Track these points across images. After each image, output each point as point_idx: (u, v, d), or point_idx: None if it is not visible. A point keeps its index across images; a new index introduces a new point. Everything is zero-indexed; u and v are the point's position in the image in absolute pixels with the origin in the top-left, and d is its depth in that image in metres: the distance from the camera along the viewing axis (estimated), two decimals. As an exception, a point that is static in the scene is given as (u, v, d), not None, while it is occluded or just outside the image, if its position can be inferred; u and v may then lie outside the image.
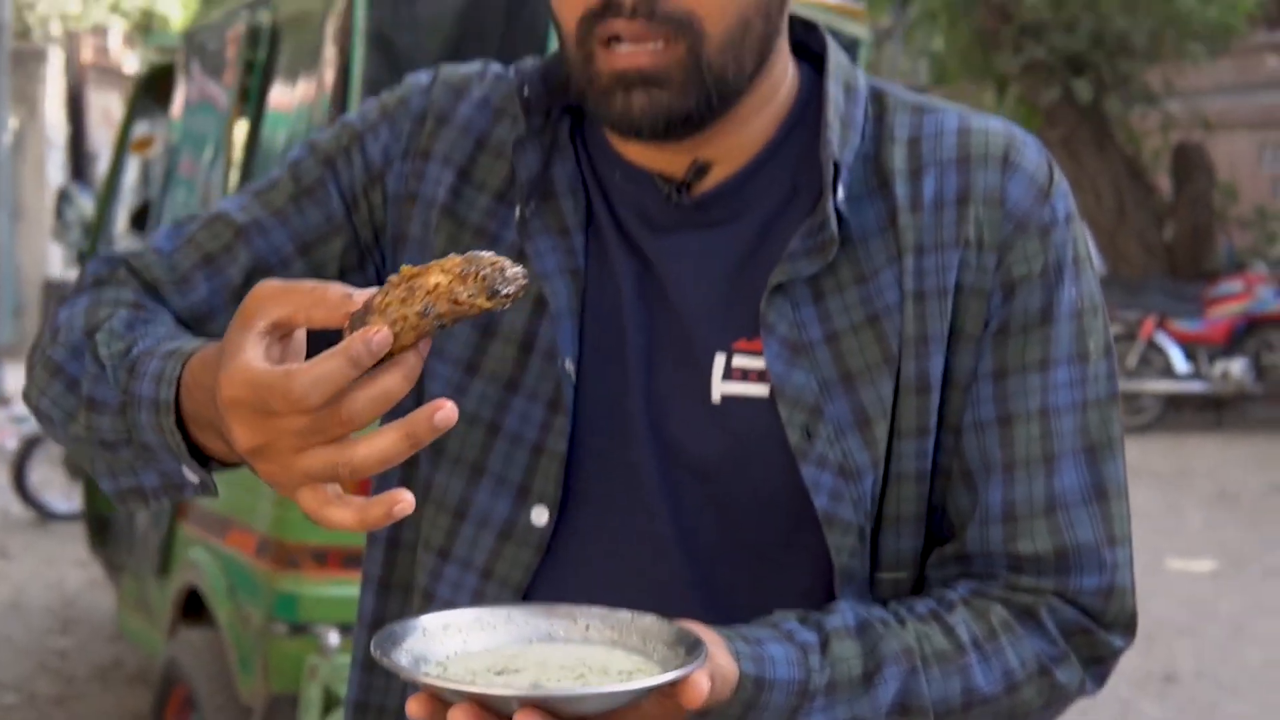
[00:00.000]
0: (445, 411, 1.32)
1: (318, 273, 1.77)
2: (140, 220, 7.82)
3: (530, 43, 4.87)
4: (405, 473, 1.76)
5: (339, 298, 1.34)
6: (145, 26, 28.98)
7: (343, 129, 1.83)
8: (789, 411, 1.63)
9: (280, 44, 5.44)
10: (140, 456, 1.60)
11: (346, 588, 4.63)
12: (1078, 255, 1.70)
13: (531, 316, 1.71)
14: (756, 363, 1.65)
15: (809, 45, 1.77)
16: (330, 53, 4.79)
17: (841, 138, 1.67)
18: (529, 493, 1.70)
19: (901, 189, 1.67)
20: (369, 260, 1.80)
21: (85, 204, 9.04)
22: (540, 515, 1.69)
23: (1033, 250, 1.66)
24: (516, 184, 1.73)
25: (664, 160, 1.70)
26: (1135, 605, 1.70)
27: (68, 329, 1.68)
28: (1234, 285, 17.70)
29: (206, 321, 1.76)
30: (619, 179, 1.73)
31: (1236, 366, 16.87)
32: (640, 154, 1.71)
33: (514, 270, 1.33)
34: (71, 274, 11.98)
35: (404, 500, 1.33)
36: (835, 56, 1.73)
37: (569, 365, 1.68)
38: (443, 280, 1.32)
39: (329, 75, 4.78)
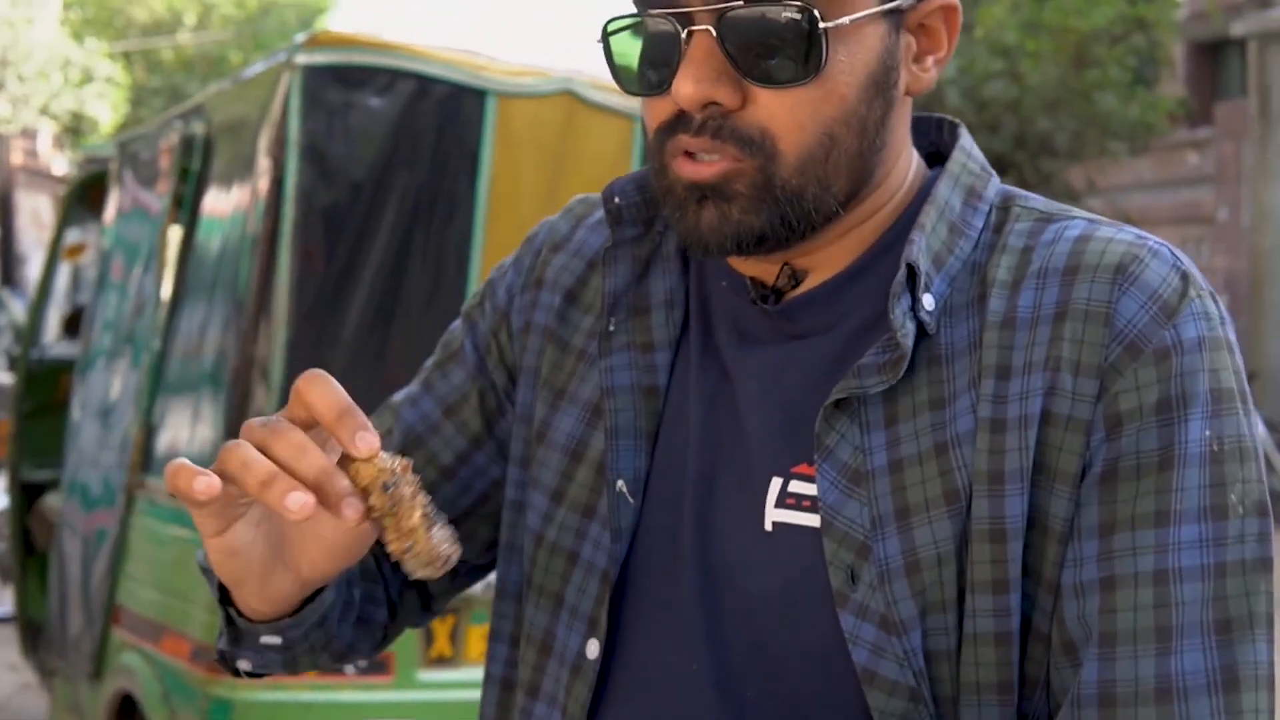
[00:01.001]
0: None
1: (463, 431, 1.74)
2: (73, 326, 7.84)
3: (461, 156, 4.94)
4: (516, 612, 1.69)
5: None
6: (74, 129, 28.97)
7: (484, 284, 1.80)
8: (834, 548, 1.44)
9: (214, 153, 5.48)
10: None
11: (280, 693, 4.64)
12: (1217, 389, 1.41)
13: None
14: (813, 489, 1.48)
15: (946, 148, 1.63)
16: (264, 164, 4.84)
17: (945, 242, 1.50)
18: (595, 624, 1.57)
19: (996, 302, 1.46)
20: (508, 404, 1.74)
21: (16, 309, 9.06)
22: (593, 647, 1.57)
23: (1146, 379, 1.39)
24: (602, 296, 1.64)
25: (759, 267, 1.57)
26: None
27: None
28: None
29: None
30: (725, 288, 1.61)
31: None
32: (740, 262, 1.59)
33: (446, 543, 1.38)
34: (3, 378, 11.92)
35: (203, 480, 1.33)
36: (960, 159, 1.56)
37: (621, 486, 1.57)
38: (420, 495, 1.38)
39: (263, 184, 4.83)
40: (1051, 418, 1.41)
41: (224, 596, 1.55)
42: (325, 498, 1.35)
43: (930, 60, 1.54)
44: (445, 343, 1.80)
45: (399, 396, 1.80)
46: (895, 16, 1.49)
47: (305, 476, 1.34)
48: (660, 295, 1.63)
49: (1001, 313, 1.45)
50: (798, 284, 1.56)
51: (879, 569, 1.42)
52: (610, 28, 1.54)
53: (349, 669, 4.65)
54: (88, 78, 28.18)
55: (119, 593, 5.46)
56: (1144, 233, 1.48)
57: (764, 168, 1.46)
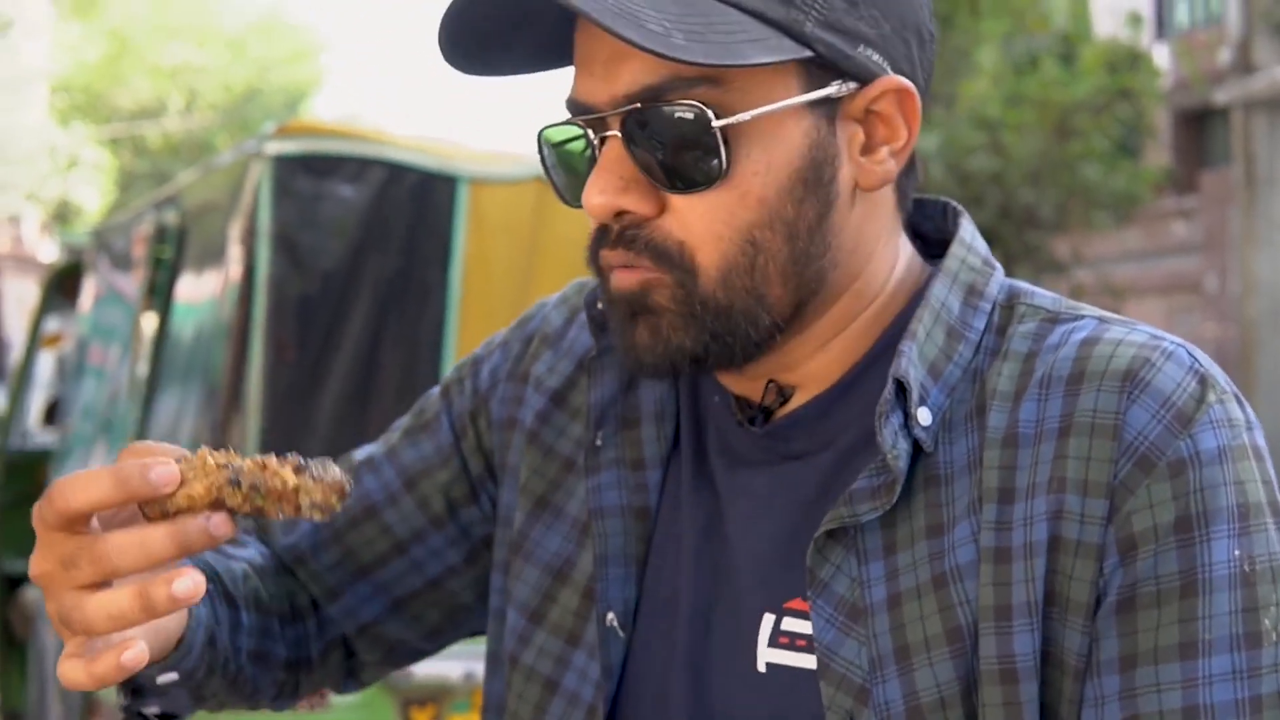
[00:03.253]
0: (185, 581, 1.20)
1: (423, 508, 1.65)
2: (53, 415, 7.83)
3: (434, 243, 4.93)
4: None
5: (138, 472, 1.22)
6: (61, 215, 29.07)
7: (467, 358, 1.71)
8: (832, 693, 1.33)
9: (187, 241, 5.49)
10: None
11: (257, 788, 4.59)
12: (1243, 504, 1.28)
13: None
14: (807, 626, 1.37)
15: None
16: (236, 252, 4.84)
17: (942, 349, 1.38)
18: None
19: (996, 416, 1.34)
20: (481, 492, 1.66)
21: (-3, 398, 9.04)
22: None
23: (1160, 496, 1.27)
24: (586, 409, 1.54)
25: (742, 383, 1.46)
26: None
27: None
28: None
29: (301, 564, 1.67)
30: (716, 403, 1.50)
31: None
32: (725, 376, 1.47)
33: (340, 476, 1.26)
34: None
35: (133, 648, 1.21)
36: (959, 254, 1.44)
37: (612, 620, 1.47)
38: (272, 460, 1.26)
39: (235, 272, 4.83)
40: (1060, 544, 1.28)
41: None
42: (192, 548, 1.22)
43: (885, 151, 1.39)
44: (419, 410, 1.71)
45: (360, 454, 1.70)
46: (827, 107, 1.37)
47: (162, 556, 1.22)
48: (650, 406, 1.52)
49: (1002, 429, 1.33)
50: (786, 400, 1.45)
51: (879, 715, 1.31)
52: (544, 135, 1.46)
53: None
54: (74, 163, 28.31)
55: (95, 688, 5.42)
56: (1160, 332, 1.36)
57: (683, 282, 1.36)
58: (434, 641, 1.73)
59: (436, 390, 1.72)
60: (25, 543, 7.13)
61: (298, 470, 1.26)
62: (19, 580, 7.36)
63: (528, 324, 1.68)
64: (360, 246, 4.84)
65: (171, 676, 1.45)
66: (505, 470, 1.63)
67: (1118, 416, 1.29)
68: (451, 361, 4.93)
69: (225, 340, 4.83)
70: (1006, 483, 1.31)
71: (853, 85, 1.37)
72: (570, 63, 1.42)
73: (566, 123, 1.41)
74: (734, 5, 1.33)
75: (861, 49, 1.36)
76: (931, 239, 1.51)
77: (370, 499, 1.66)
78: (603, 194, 1.36)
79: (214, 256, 5.10)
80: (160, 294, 5.57)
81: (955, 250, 1.44)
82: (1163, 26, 27.25)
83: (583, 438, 1.55)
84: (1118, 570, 1.27)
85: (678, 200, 1.36)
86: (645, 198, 1.36)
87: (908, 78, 1.39)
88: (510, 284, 5.01)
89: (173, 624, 1.41)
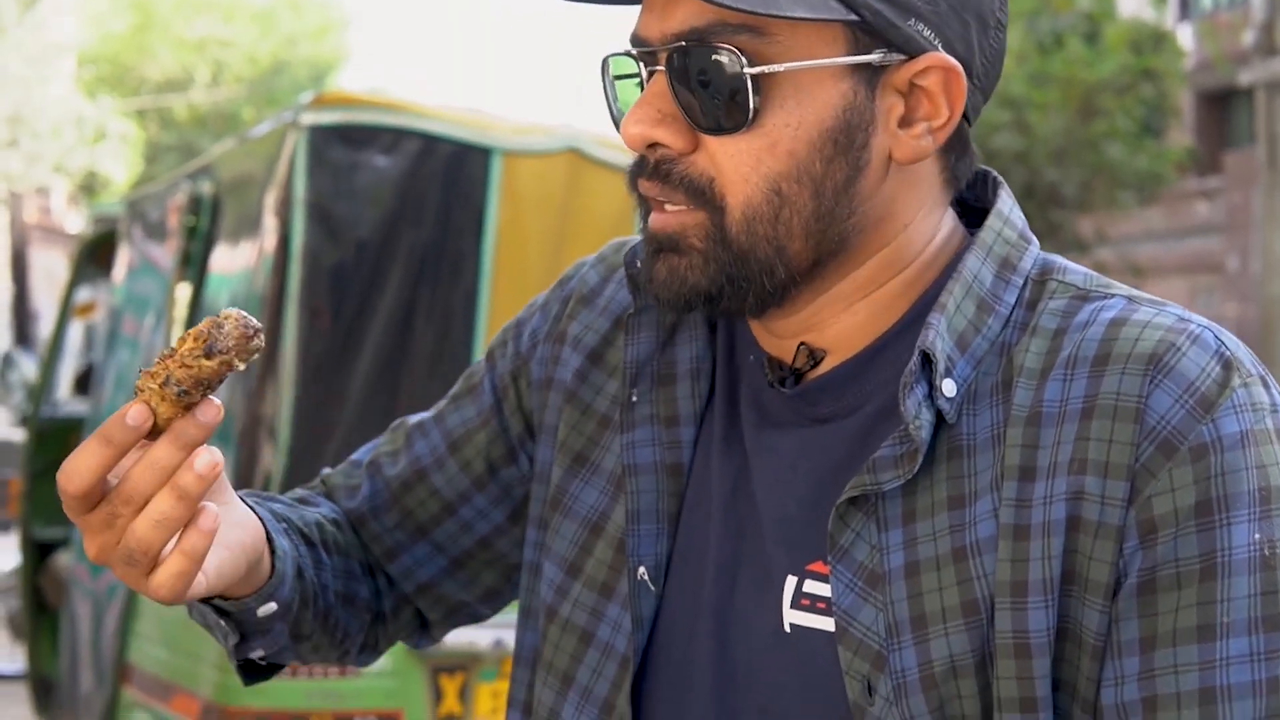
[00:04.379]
0: (202, 457, 1.31)
1: (466, 470, 1.71)
2: (84, 384, 7.87)
3: (467, 214, 4.95)
4: (530, 679, 1.63)
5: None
6: (88, 187, 29.11)
7: (511, 320, 1.76)
8: (850, 658, 1.36)
9: (221, 212, 5.51)
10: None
11: (288, 750, 4.65)
12: (1265, 487, 1.29)
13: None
14: (827, 590, 1.40)
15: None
16: (270, 222, 4.86)
17: (971, 320, 1.40)
18: (612, 710, 1.51)
19: (1022, 393, 1.36)
20: (520, 453, 1.71)
21: (28, 368, 9.09)
22: None
23: (1182, 480, 1.29)
24: (622, 365, 1.58)
25: (775, 343, 1.50)
26: None
27: None
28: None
29: (362, 526, 1.74)
30: (751, 362, 1.53)
31: None
32: (760, 335, 1.51)
33: (238, 325, 1.31)
34: (15, 435, 11.95)
35: (207, 513, 1.32)
36: (995, 226, 1.45)
37: (643, 574, 1.51)
38: (182, 346, 1.31)
39: (270, 242, 4.85)
40: (1079, 524, 1.30)
41: (215, 608, 1.53)
42: (191, 439, 1.31)
43: (923, 126, 1.41)
44: (468, 374, 1.78)
45: (413, 420, 1.78)
46: (868, 73, 1.39)
47: (174, 462, 1.31)
48: (686, 364, 1.56)
49: (1027, 406, 1.35)
50: (817, 363, 1.48)
51: (895, 681, 1.34)
52: (606, 63, 1.51)
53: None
54: (101, 135, 28.31)
55: (129, 651, 5.46)
56: (1188, 314, 1.37)
57: (714, 219, 1.40)
58: (491, 603, 1.79)
59: (483, 358, 1.77)
60: (56, 510, 7.17)
61: (208, 354, 1.30)
62: (51, 547, 7.42)
63: (566, 284, 1.72)
64: (395, 217, 4.84)
65: (271, 607, 1.53)
66: (543, 429, 1.66)
67: (1140, 400, 1.30)
68: (483, 332, 4.96)
69: (260, 309, 4.85)
70: (1028, 461, 1.33)
71: (898, 56, 1.39)
72: None
73: (624, 53, 1.47)
74: None
75: (912, 22, 1.38)
76: (970, 206, 1.54)
77: (420, 463, 1.73)
78: (639, 124, 1.41)
79: (249, 226, 5.12)
80: (195, 264, 5.59)
81: (991, 222, 1.45)
82: (1186, 7, 27.15)
83: (619, 394, 1.59)
84: (1137, 553, 1.29)
85: (710, 141, 1.40)
86: (679, 133, 1.41)
87: (961, 59, 1.41)
88: (542, 256, 5.03)
89: (258, 551, 1.49)
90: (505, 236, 4.98)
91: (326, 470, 1.79)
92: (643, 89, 1.43)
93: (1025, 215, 1.54)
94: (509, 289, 4.96)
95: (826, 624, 1.39)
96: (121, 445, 1.30)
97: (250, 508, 1.52)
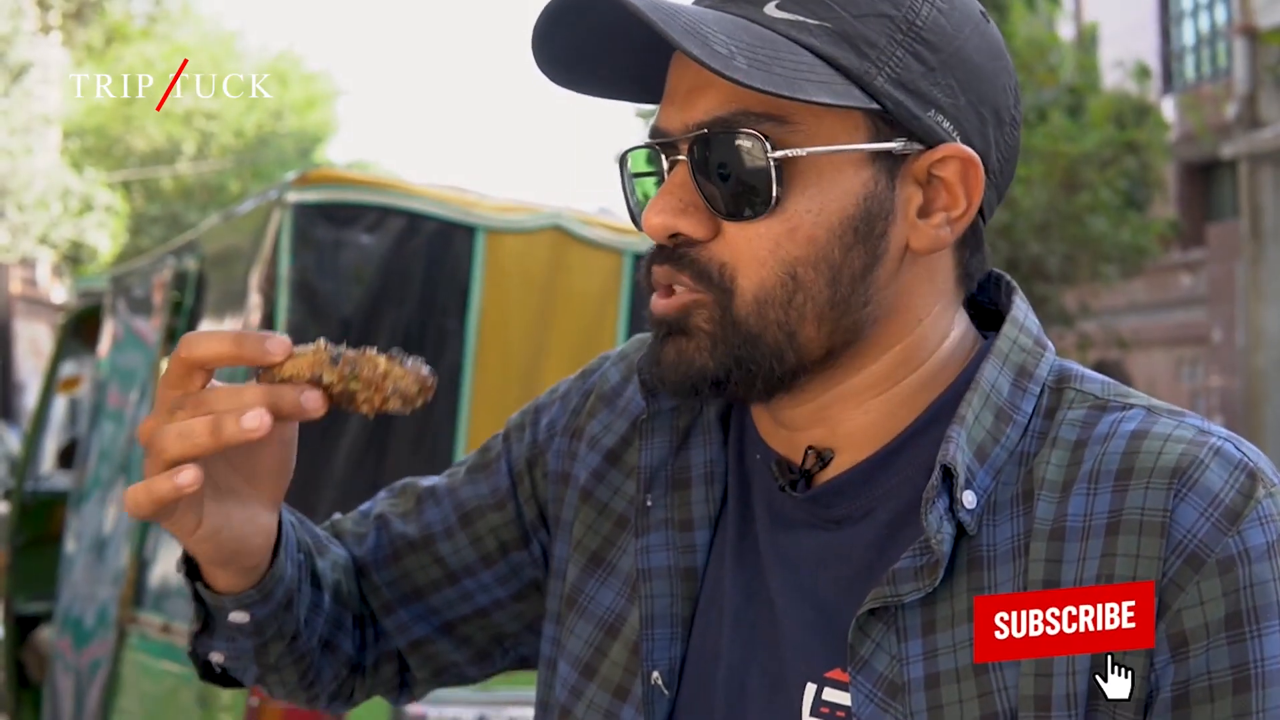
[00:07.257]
0: (253, 415, 1.33)
1: (476, 545, 1.71)
2: (67, 458, 7.87)
3: (451, 291, 4.97)
4: None
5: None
6: (74, 258, 29.11)
7: (531, 403, 1.76)
8: None
9: (206, 287, 5.53)
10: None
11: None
12: None
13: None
14: (846, 698, 1.39)
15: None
16: (255, 299, 4.87)
17: (990, 431, 1.39)
18: None
19: (1044, 507, 1.35)
20: (533, 539, 1.70)
21: (12, 441, 9.09)
22: None
23: (1210, 593, 1.28)
24: (637, 471, 1.58)
25: (784, 438, 1.50)
26: None
27: None
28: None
29: (364, 576, 1.74)
30: (759, 461, 1.53)
31: None
32: (769, 435, 1.51)
33: (418, 380, 1.39)
34: (-3, 508, 11.95)
35: (190, 470, 1.34)
36: (1011, 334, 1.45)
37: (656, 679, 1.50)
38: (379, 357, 1.39)
39: (255, 319, 4.86)
40: None
41: (193, 574, 1.55)
42: (281, 409, 1.36)
43: (941, 217, 1.42)
44: (484, 448, 1.78)
45: (424, 483, 1.78)
46: (889, 162, 1.40)
47: (253, 403, 1.35)
48: (700, 468, 1.55)
49: (1050, 520, 1.34)
50: (825, 464, 1.47)
51: None
52: (624, 157, 1.51)
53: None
54: (87, 206, 28.32)
55: (110, 728, 5.45)
56: (1208, 424, 1.38)
57: (721, 302, 1.39)
58: (481, 667, 1.79)
59: (502, 432, 1.77)
60: (39, 584, 7.19)
61: (390, 358, 1.38)
62: (34, 621, 7.40)
63: (589, 378, 1.72)
64: (379, 294, 4.87)
65: (243, 617, 1.55)
66: (559, 524, 1.67)
67: (1166, 514, 1.30)
68: (467, 409, 4.97)
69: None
70: (1052, 575, 1.33)
71: (918, 146, 1.40)
72: (657, 98, 1.48)
73: (643, 145, 1.48)
74: (808, 48, 1.37)
75: (932, 113, 1.39)
76: (982, 307, 1.54)
77: (430, 529, 1.73)
78: (660, 214, 1.41)
79: (234, 303, 5.14)
80: (179, 339, 5.61)
81: (1008, 330, 1.45)
82: (1170, 80, 27.32)
83: (635, 496, 1.58)
84: (1169, 666, 1.29)
85: (730, 227, 1.40)
86: (701, 222, 1.41)
87: (978, 152, 1.42)
88: (526, 333, 5.05)
89: (254, 558, 1.51)
90: (489, 314, 5.00)
91: (337, 515, 1.80)
92: (662, 181, 1.44)
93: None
94: (493, 366, 4.98)
95: None
96: (248, 355, 1.35)
97: (290, 524, 1.58)
